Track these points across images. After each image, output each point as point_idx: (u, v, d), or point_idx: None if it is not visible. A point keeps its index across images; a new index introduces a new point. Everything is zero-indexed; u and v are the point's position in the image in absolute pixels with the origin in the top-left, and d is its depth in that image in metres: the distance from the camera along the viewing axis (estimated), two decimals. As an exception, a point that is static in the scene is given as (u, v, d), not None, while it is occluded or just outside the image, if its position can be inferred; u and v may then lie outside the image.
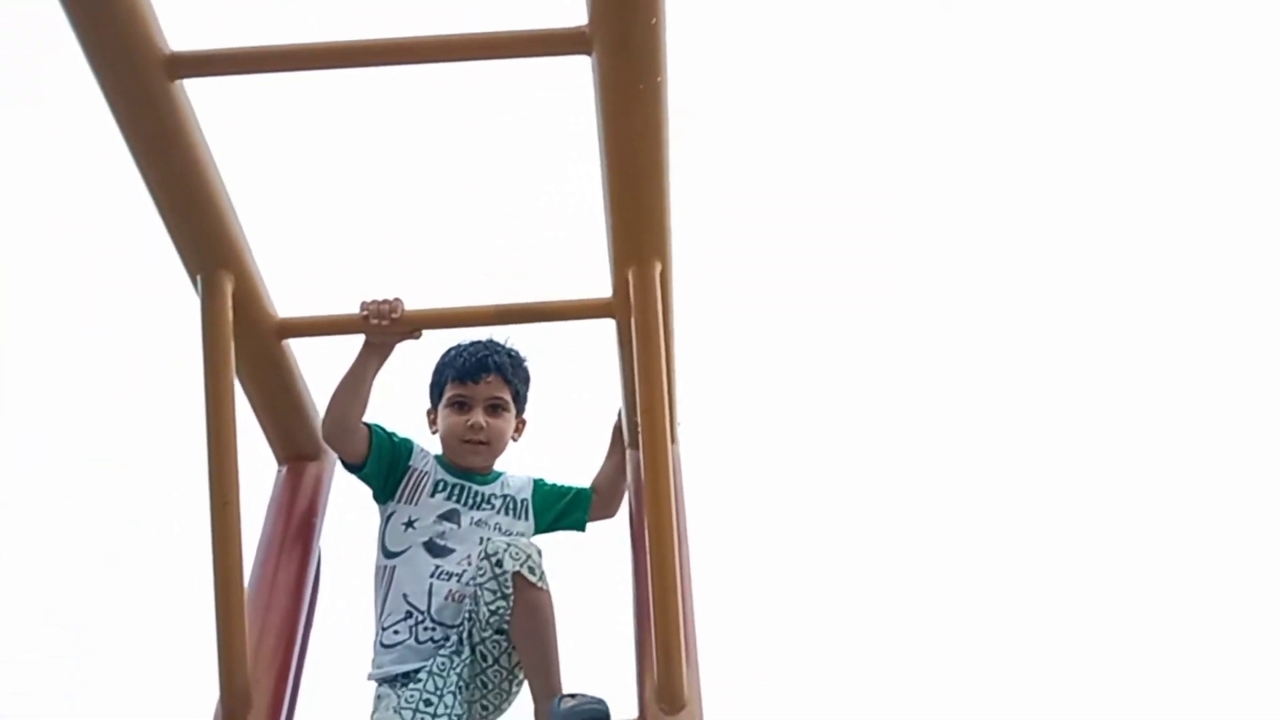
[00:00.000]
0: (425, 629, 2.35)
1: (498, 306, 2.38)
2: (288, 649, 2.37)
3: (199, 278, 2.07)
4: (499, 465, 2.60)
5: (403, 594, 2.39)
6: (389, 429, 2.50)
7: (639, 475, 2.56)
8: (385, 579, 2.43)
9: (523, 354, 2.57)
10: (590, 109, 1.97)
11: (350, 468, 2.46)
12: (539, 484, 2.62)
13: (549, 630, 2.31)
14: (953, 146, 4.88)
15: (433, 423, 2.57)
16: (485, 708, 2.37)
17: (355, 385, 2.32)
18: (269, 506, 2.55)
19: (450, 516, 2.46)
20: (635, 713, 2.21)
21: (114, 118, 1.85)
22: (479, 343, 2.52)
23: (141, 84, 1.78)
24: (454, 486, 2.49)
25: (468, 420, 2.48)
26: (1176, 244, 4.99)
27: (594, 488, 2.70)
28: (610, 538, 2.73)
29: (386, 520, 2.47)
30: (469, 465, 2.51)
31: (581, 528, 2.66)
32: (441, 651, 2.31)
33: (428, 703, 2.25)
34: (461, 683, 2.29)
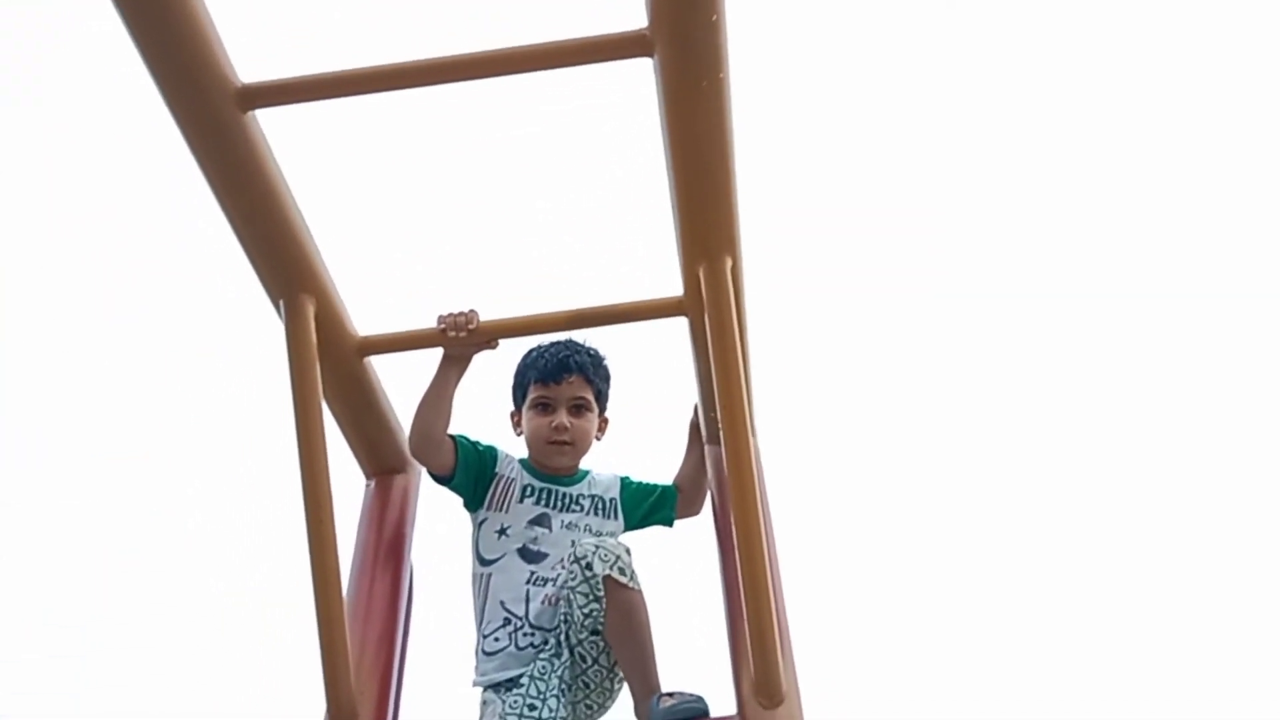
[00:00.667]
0: (524, 634, 2.38)
1: (571, 311, 2.40)
2: (388, 661, 2.41)
3: (281, 303, 2.11)
4: (583, 464, 2.62)
5: (500, 601, 2.42)
6: (473, 438, 2.53)
7: (720, 470, 2.58)
8: (482, 587, 2.46)
9: (602, 353, 2.58)
10: (650, 108, 1.98)
11: (439, 480, 2.49)
12: (626, 482, 2.63)
13: (643, 630, 2.33)
14: (1019, 135, 4.79)
15: (516, 424, 2.59)
16: (590, 707, 2.39)
17: (437, 398, 2.36)
18: (360, 521, 2.60)
19: (541, 521, 2.47)
20: (734, 708, 2.21)
21: (190, 151, 1.89)
22: (559, 343, 2.54)
23: (215, 118, 1.82)
24: (541, 490, 2.51)
25: (552, 421, 2.50)
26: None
27: (677, 485, 2.71)
28: (694, 532, 2.74)
29: (479, 527, 2.50)
30: (555, 466, 2.53)
31: (670, 523, 2.67)
32: (541, 655, 2.34)
33: (532, 707, 2.28)
34: (564, 685, 2.31)
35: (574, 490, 2.55)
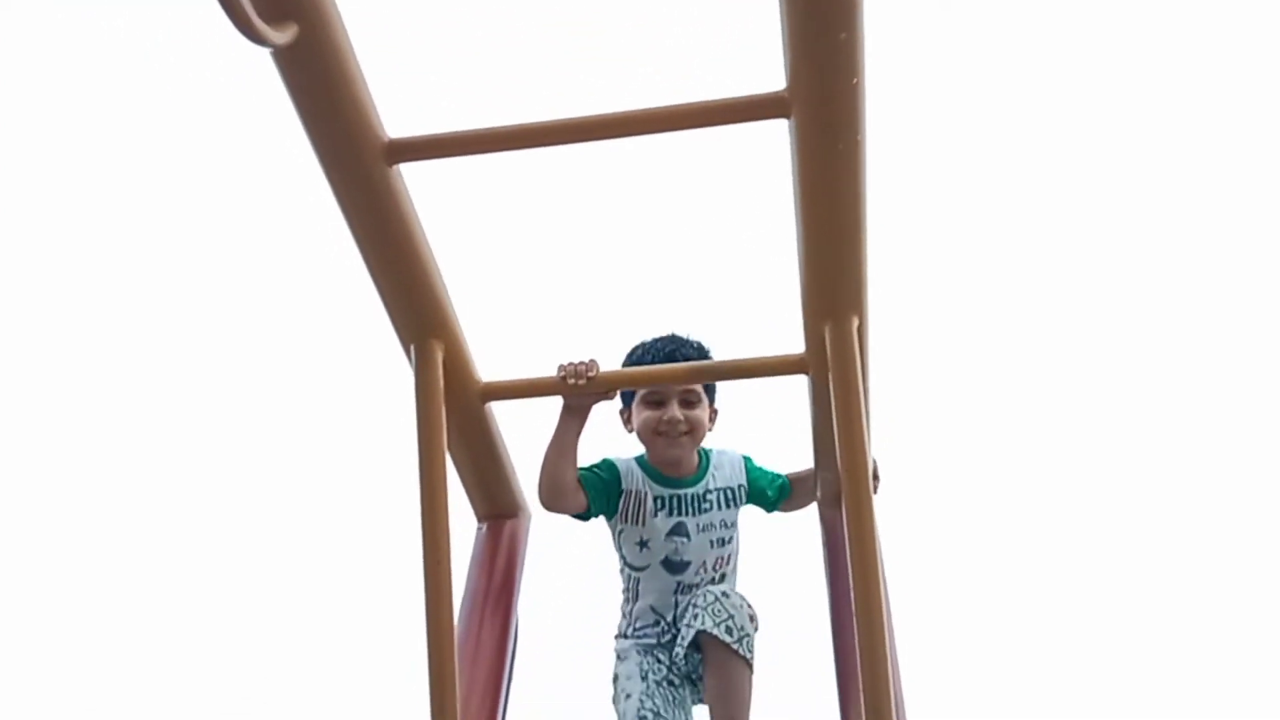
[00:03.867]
0: (670, 633, 2.51)
1: (691, 365, 2.41)
2: (493, 706, 2.42)
3: (412, 347, 2.16)
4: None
5: (649, 605, 2.54)
6: (589, 465, 2.56)
7: (836, 533, 2.54)
8: (632, 586, 2.57)
9: (708, 345, 2.60)
10: (778, 166, 1.98)
11: (578, 517, 2.55)
12: (750, 467, 2.64)
13: (740, 698, 2.35)
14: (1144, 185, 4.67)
15: (627, 421, 2.62)
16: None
17: (562, 450, 2.40)
18: (470, 564, 2.63)
19: (678, 530, 2.52)
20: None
21: (337, 203, 1.96)
22: (664, 339, 2.56)
23: (364, 171, 1.88)
24: (672, 499, 2.54)
25: (664, 415, 2.51)
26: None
27: (791, 482, 2.70)
28: (803, 596, 2.70)
29: (618, 535, 2.58)
30: (669, 458, 2.54)
31: (769, 510, 2.67)
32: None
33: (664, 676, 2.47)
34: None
35: (700, 489, 2.56)
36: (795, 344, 2.25)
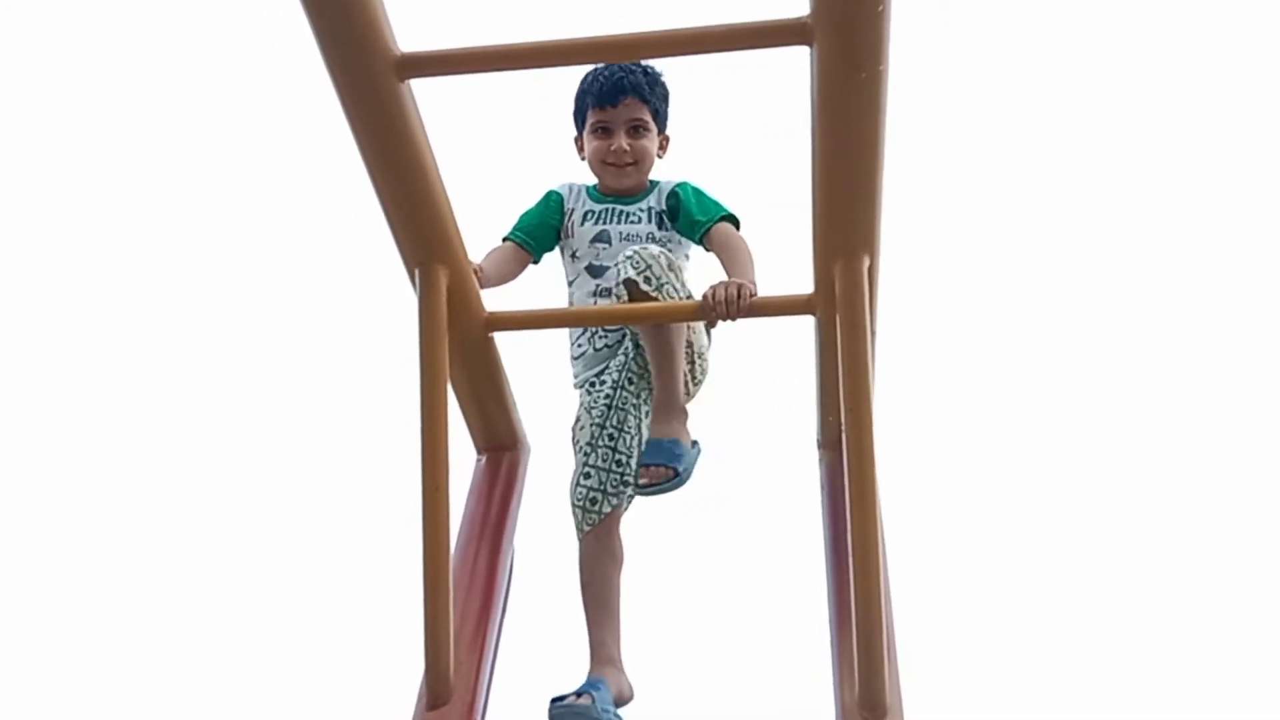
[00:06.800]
0: (598, 338, 2.58)
1: (693, 302, 2.37)
2: (484, 636, 2.42)
3: (416, 272, 2.13)
4: (653, 177, 2.62)
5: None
6: (533, 215, 2.60)
7: (834, 477, 2.53)
8: (568, 299, 2.62)
9: (659, 71, 2.56)
10: (789, 98, 1.94)
11: (534, 263, 2.61)
12: (682, 189, 2.57)
13: (667, 344, 2.41)
14: (1149, 137, 4.60)
15: (580, 149, 2.61)
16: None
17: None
18: (468, 495, 2.61)
19: (601, 238, 2.56)
20: (833, 716, 2.17)
21: (345, 116, 1.92)
22: (614, 65, 2.50)
23: (373, 84, 1.84)
24: (601, 211, 2.58)
25: (610, 145, 2.52)
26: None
27: (718, 243, 2.52)
28: (799, 535, 2.69)
29: (562, 255, 2.63)
30: (619, 187, 2.57)
31: (698, 240, 2.56)
32: (615, 356, 2.55)
33: (607, 396, 2.53)
34: (632, 374, 2.54)
35: (633, 206, 2.59)
36: (804, 285, 2.23)
